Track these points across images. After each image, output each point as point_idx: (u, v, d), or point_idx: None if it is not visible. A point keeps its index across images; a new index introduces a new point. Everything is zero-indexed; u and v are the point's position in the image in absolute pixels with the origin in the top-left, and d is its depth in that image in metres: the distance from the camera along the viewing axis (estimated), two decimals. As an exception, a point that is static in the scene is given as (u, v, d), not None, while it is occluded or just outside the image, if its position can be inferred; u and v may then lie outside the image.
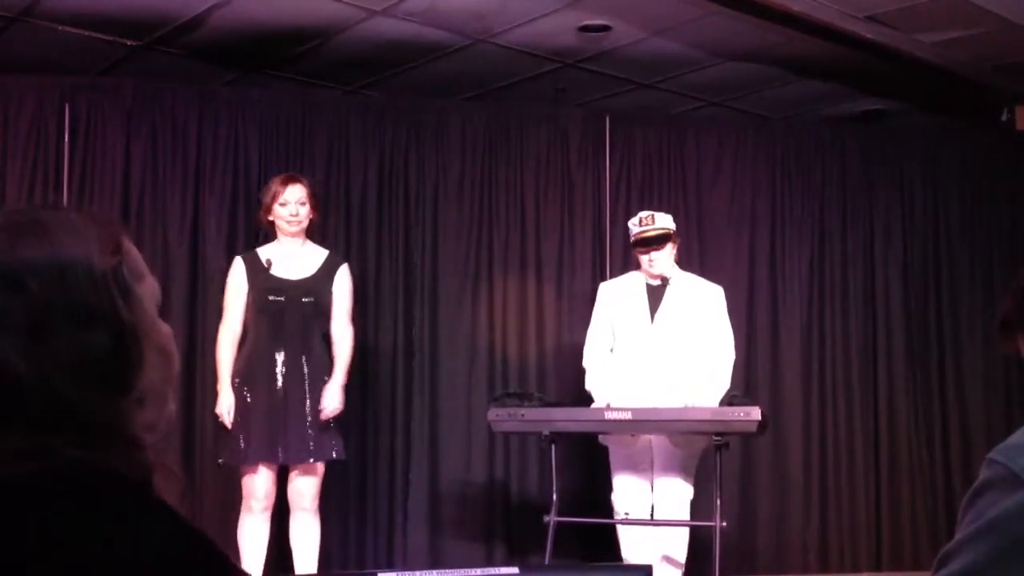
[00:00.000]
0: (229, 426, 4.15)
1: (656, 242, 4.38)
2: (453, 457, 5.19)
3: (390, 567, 4.94)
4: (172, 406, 0.96)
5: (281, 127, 5.15)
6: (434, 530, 5.13)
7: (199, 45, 4.80)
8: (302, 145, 5.18)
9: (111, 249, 0.91)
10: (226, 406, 4.15)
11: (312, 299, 4.27)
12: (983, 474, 1.14)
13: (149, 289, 0.95)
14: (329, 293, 4.33)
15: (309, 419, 4.19)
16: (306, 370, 4.21)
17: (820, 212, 5.74)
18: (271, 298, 4.22)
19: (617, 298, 4.50)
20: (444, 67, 5.12)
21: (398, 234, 5.27)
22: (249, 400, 4.16)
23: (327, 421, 4.22)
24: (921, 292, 5.78)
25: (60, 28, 4.53)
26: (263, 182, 5.02)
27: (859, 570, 5.51)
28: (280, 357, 4.18)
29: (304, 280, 4.29)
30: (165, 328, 0.96)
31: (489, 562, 5.07)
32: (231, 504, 4.76)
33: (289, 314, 4.22)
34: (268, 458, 4.17)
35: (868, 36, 4.62)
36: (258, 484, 4.18)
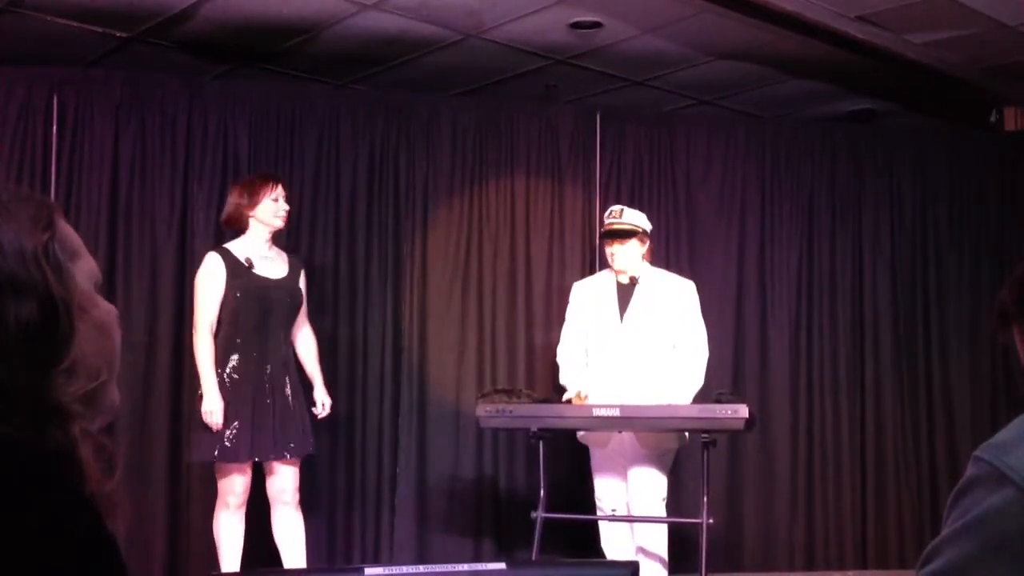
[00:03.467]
0: (218, 426, 4.13)
1: (619, 236, 4.38)
2: (441, 453, 5.19)
3: (377, 562, 4.94)
4: (114, 386, 0.98)
5: (271, 121, 5.13)
6: (422, 525, 5.13)
7: (189, 38, 4.79)
8: (292, 139, 5.16)
9: (42, 226, 0.93)
10: (215, 405, 4.13)
11: (290, 299, 4.32)
12: (969, 471, 1.15)
13: (85, 266, 0.98)
14: (300, 293, 4.38)
15: (291, 417, 4.22)
16: (286, 368, 4.26)
17: (809, 210, 5.76)
18: (257, 296, 4.22)
19: (588, 297, 4.51)
20: (435, 62, 5.12)
21: (387, 229, 5.26)
22: (232, 399, 4.15)
23: (307, 419, 4.29)
24: (909, 291, 5.81)
25: (49, 19, 4.50)
26: (252, 176, 5.02)
27: (845, 567, 5.54)
28: (266, 355, 4.20)
29: (282, 279, 4.32)
30: (105, 305, 0.99)
31: (477, 557, 5.07)
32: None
33: (273, 313, 4.25)
34: (253, 455, 4.17)
35: (858, 36, 4.63)
36: (238, 481, 4.19)
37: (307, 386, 4.41)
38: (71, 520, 0.86)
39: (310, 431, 4.31)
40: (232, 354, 4.19)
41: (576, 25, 4.68)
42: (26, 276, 0.90)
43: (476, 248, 5.37)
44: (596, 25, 4.69)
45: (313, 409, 4.39)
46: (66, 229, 0.97)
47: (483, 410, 4.29)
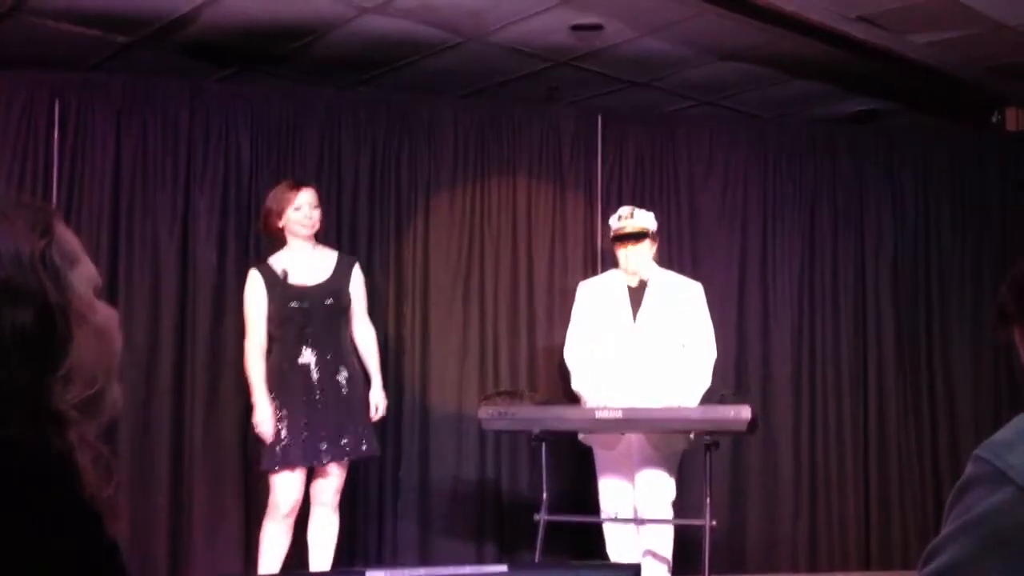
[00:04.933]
0: (270, 438, 4.16)
1: (632, 238, 4.39)
2: (444, 455, 5.19)
3: (380, 565, 4.93)
4: (115, 388, 0.98)
5: (272, 124, 5.13)
6: (424, 528, 5.12)
7: (190, 41, 4.79)
8: (293, 142, 5.16)
9: (39, 232, 0.93)
10: (264, 416, 4.17)
11: (332, 300, 4.32)
12: (969, 470, 1.15)
13: (84, 272, 0.97)
14: (348, 293, 4.38)
15: (347, 419, 4.24)
16: (338, 370, 4.26)
17: (811, 211, 5.75)
18: (293, 305, 4.24)
19: (597, 298, 4.50)
20: (436, 65, 5.12)
21: (389, 231, 5.26)
22: (284, 410, 4.18)
23: (365, 420, 4.31)
24: (911, 292, 5.80)
25: (51, 23, 4.51)
26: (254, 179, 5.03)
27: (848, 569, 5.53)
28: (311, 362, 4.21)
29: (323, 283, 4.33)
30: (105, 310, 0.99)
31: (479, 560, 5.07)
32: (221, 513, 4.77)
33: (314, 319, 4.26)
34: (306, 461, 4.18)
35: (860, 36, 4.63)
36: (290, 491, 4.19)
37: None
38: (71, 523, 0.86)
39: (367, 433, 4.30)
40: (282, 364, 4.22)
41: (577, 27, 4.68)
42: (23, 283, 0.90)
43: (478, 250, 5.37)
44: (597, 27, 4.69)
45: (365, 407, 4.36)
46: (65, 235, 0.97)
47: (485, 412, 4.28)
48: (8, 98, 4.79)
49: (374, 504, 5.09)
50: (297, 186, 4.38)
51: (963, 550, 1.11)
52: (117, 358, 0.99)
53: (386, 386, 5.14)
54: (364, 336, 4.44)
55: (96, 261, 1.03)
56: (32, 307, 0.90)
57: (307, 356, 4.21)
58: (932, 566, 1.14)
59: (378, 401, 4.39)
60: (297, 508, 4.25)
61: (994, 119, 5.85)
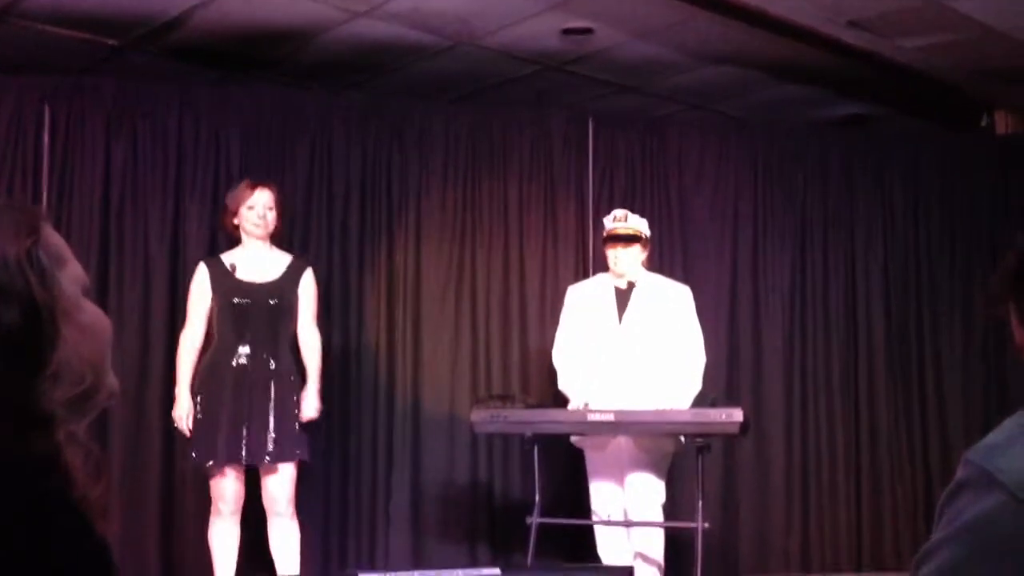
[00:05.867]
0: (187, 432, 4.16)
1: (624, 240, 4.40)
2: (436, 458, 5.18)
3: (372, 569, 4.93)
4: (108, 380, 0.98)
5: (263, 128, 5.12)
6: (416, 531, 5.12)
7: (181, 45, 4.79)
8: (284, 147, 5.15)
9: (25, 232, 0.94)
10: (184, 411, 4.18)
11: (277, 301, 4.28)
12: (959, 474, 1.15)
13: (71, 271, 0.98)
14: (295, 296, 4.34)
15: (273, 421, 4.17)
16: (272, 370, 4.21)
17: (802, 216, 5.77)
18: (236, 300, 4.22)
19: (585, 301, 4.52)
20: (427, 69, 5.12)
21: (381, 235, 5.26)
22: (211, 404, 4.15)
23: (294, 423, 4.22)
24: (901, 295, 5.82)
25: (40, 27, 4.50)
26: (245, 183, 5.02)
27: (840, 571, 5.54)
28: (245, 358, 4.18)
29: (269, 283, 4.30)
30: (92, 308, 0.99)
31: (472, 563, 5.06)
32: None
33: (254, 316, 4.22)
34: (231, 459, 4.15)
35: (850, 41, 4.66)
36: (225, 487, 4.18)
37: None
38: (60, 526, 0.85)
39: (300, 437, 4.24)
40: (215, 357, 4.20)
41: (568, 31, 4.69)
42: (9, 282, 0.90)
43: (469, 254, 5.37)
44: (587, 31, 4.70)
45: (296, 411, 4.26)
46: (52, 235, 0.97)
47: (477, 415, 4.28)
48: (-2, 102, 4.78)
49: (366, 508, 5.08)
50: (255, 185, 4.34)
51: (953, 556, 1.11)
52: (107, 354, 0.99)
53: (377, 389, 5.16)
54: (308, 340, 4.35)
55: (86, 265, 1.04)
56: (18, 307, 0.90)
57: (243, 353, 4.18)
58: (923, 571, 1.14)
59: (306, 407, 4.24)
60: (240, 502, 4.20)
61: (983, 123, 5.88)
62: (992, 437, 1.16)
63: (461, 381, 5.25)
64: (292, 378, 4.26)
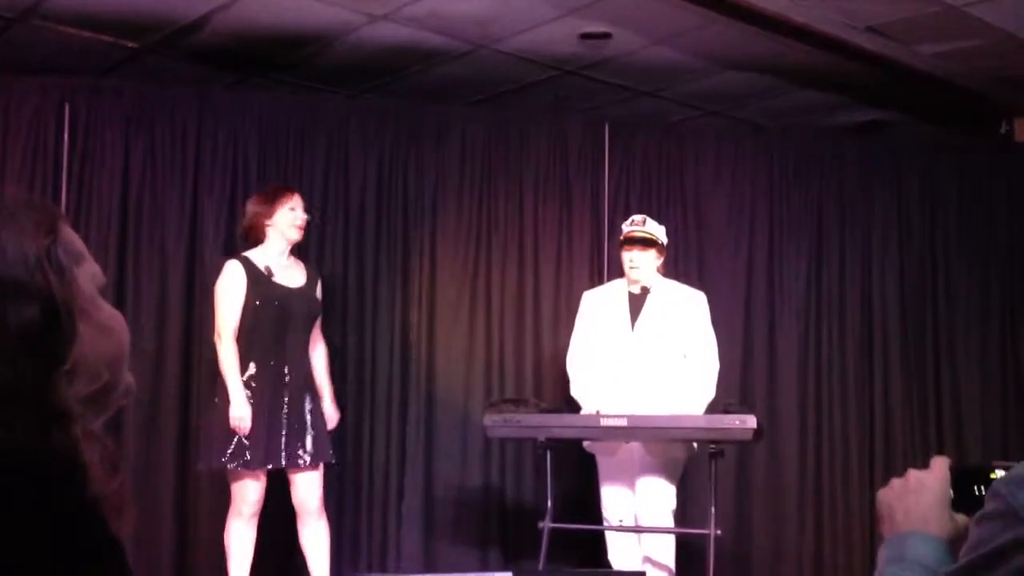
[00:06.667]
0: (247, 433, 4.14)
1: (641, 243, 4.41)
2: (449, 462, 5.19)
3: (384, 571, 4.94)
4: (125, 378, 1.00)
5: (281, 131, 5.15)
6: (428, 535, 5.12)
7: (200, 48, 4.82)
8: (302, 149, 5.18)
9: (44, 231, 0.95)
10: (246, 412, 4.13)
11: (308, 308, 4.35)
12: (987, 503, 1.14)
13: (88, 269, 0.99)
14: (318, 302, 4.40)
15: (310, 424, 4.25)
16: (304, 376, 4.29)
17: (818, 221, 5.75)
18: (276, 304, 4.25)
19: (599, 306, 4.52)
20: (444, 73, 5.14)
21: (396, 239, 5.27)
22: (253, 406, 4.17)
23: (325, 426, 4.34)
24: (918, 303, 5.79)
25: (61, 29, 4.54)
26: (262, 186, 5.04)
27: (854, 580, 5.51)
28: (284, 363, 4.22)
29: (300, 288, 4.35)
30: (108, 307, 1.01)
31: (484, 567, 5.06)
32: (226, 512, 4.77)
33: (292, 321, 4.27)
34: (268, 462, 4.18)
35: (868, 47, 4.64)
36: (251, 489, 4.20)
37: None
38: (75, 524, 0.86)
39: (329, 440, 4.33)
40: (250, 362, 4.21)
41: (585, 36, 4.69)
42: (29, 280, 0.92)
43: (484, 258, 5.37)
44: (605, 36, 4.70)
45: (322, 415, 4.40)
46: (70, 234, 0.99)
47: (490, 419, 4.29)
48: (19, 103, 4.82)
49: (379, 510, 5.09)
50: (293, 188, 4.45)
51: None
52: (124, 352, 1.01)
53: (391, 392, 5.18)
54: (319, 350, 4.45)
55: (104, 266, 1.05)
56: (37, 304, 0.91)
57: (279, 358, 4.21)
58: None
59: (331, 413, 4.43)
60: (261, 504, 4.23)
61: (1003, 130, 5.84)
62: (1020, 468, 1.14)
63: (475, 385, 5.26)
64: (319, 382, 4.38)
